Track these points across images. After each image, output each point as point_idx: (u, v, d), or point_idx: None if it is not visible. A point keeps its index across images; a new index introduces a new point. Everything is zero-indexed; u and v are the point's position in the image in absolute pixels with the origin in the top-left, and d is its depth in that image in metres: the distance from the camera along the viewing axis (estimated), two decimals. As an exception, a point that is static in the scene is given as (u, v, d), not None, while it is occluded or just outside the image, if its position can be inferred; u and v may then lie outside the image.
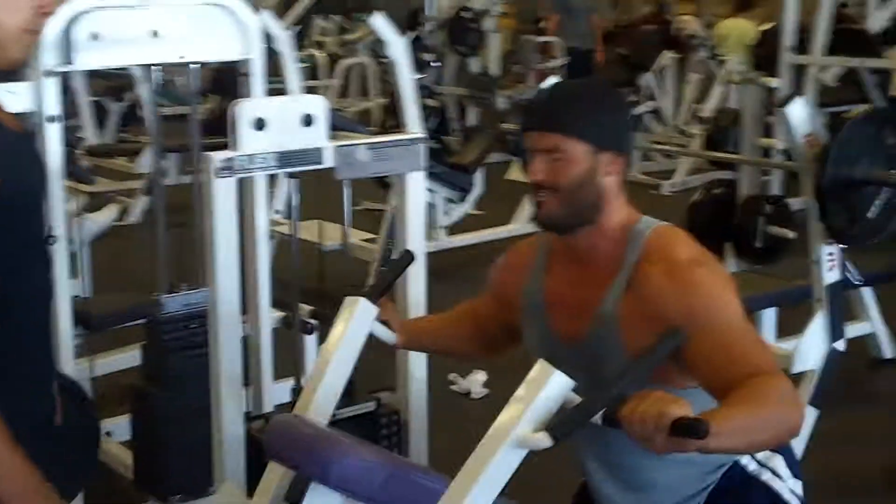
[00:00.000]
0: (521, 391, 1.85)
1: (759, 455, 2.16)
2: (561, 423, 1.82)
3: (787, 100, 3.89)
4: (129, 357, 3.99)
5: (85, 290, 3.85)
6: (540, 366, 1.86)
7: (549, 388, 1.83)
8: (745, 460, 2.15)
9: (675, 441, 1.73)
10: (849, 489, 3.72)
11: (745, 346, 1.96)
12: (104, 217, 4.67)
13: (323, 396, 2.21)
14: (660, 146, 9.00)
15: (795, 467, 2.21)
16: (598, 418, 1.83)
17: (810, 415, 3.86)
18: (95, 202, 6.04)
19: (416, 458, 2.81)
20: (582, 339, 2.10)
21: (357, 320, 2.26)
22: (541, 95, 2.15)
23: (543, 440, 1.80)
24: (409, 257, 2.48)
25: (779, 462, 2.18)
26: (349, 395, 2.79)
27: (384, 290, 2.36)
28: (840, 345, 3.97)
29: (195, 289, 3.29)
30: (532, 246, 2.24)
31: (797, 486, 2.19)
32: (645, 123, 9.25)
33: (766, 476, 2.16)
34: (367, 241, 6.09)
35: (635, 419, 1.75)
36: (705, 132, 8.06)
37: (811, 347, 3.93)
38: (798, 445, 3.78)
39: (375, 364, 2.72)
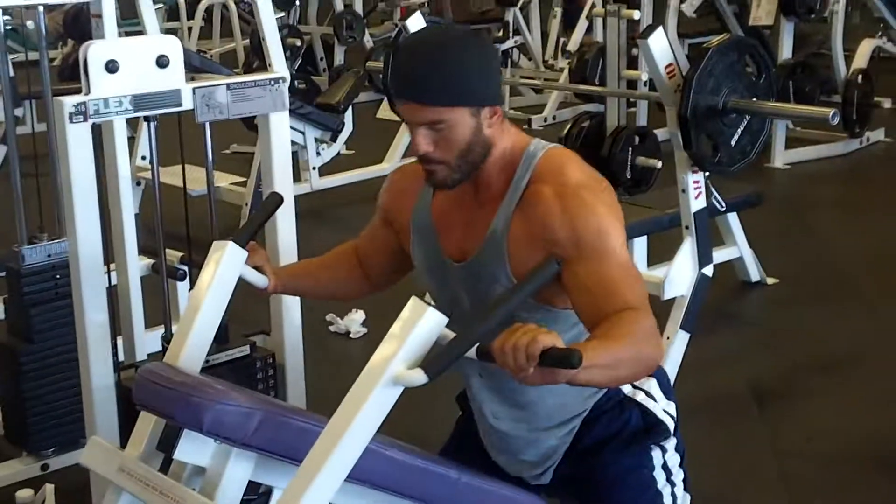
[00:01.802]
0: (395, 329, 1.85)
1: None
2: (435, 359, 1.83)
3: (648, 31, 3.92)
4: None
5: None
6: (413, 303, 1.86)
7: (422, 324, 1.82)
8: None
9: (547, 372, 1.76)
10: (720, 406, 3.83)
11: (623, 279, 1.98)
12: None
13: (194, 343, 2.17)
14: (528, 81, 9.04)
15: (669, 389, 2.27)
16: (472, 352, 1.84)
17: (682, 339, 3.95)
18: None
19: (294, 401, 2.79)
20: (470, 259, 2.11)
21: (225, 265, 2.22)
22: (405, 59, 2.04)
23: (418, 377, 1.81)
24: (276, 199, 2.43)
25: (653, 384, 2.23)
26: (223, 340, 2.77)
27: (252, 233, 2.31)
28: (708, 270, 4.07)
29: (56, 239, 3.20)
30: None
31: (670, 406, 2.25)
32: (513, 59, 9.26)
33: (640, 397, 2.21)
34: (236, 184, 6.01)
35: (507, 351, 1.76)
36: (572, 66, 8.12)
37: (681, 274, 4.02)
38: (671, 368, 3.88)
39: (251, 308, 2.69)
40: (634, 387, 2.21)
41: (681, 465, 2.28)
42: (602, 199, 2.02)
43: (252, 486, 2.02)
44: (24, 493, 2.76)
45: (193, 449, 1.99)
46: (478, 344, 1.84)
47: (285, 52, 5.57)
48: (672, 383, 2.30)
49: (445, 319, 1.85)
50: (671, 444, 2.24)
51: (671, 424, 2.23)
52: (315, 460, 1.84)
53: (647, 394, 2.22)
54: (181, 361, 2.17)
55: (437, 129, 2.01)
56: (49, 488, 2.95)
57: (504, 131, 2.09)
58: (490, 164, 2.07)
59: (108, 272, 2.66)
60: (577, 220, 1.98)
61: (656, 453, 2.22)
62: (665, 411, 2.23)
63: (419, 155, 2.06)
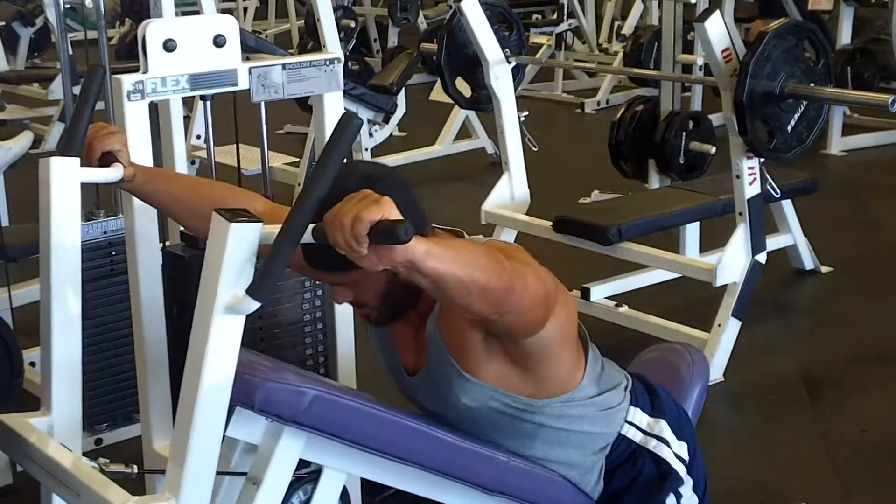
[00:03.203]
0: (208, 254, 1.73)
1: (644, 424, 2.20)
2: (260, 278, 1.70)
3: (704, 15, 3.89)
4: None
5: (1, 219, 3.77)
6: (215, 222, 1.72)
7: (231, 244, 1.70)
8: (632, 433, 2.20)
9: (382, 251, 1.62)
10: (771, 395, 3.80)
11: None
12: (18, 145, 4.54)
13: (62, 272, 2.12)
14: (582, 64, 8.99)
15: (681, 427, 2.25)
16: (308, 237, 1.69)
17: (733, 326, 3.92)
18: (8, 130, 5.90)
19: (344, 380, 2.81)
20: (422, 370, 2.11)
21: (57, 182, 2.08)
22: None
23: (249, 304, 1.71)
24: (96, 73, 2.22)
25: (664, 426, 2.22)
26: None
27: (80, 133, 2.14)
28: (761, 257, 4.03)
29: (113, 216, 3.24)
30: None
31: (682, 448, 2.23)
32: (567, 42, 9.21)
33: (652, 444, 2.20)
34: (290, 164, 6.04)
35: (335, 226, 1.63)
36: (626, 50, 8.07)
37: (733, 260, 3.99)
38: (723, 355, 3.86)
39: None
40: (646, 434, 2.20)
41: None
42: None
43: (302, 464, 2.04)
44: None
45: (245, 426, 2.01)
46: (313, 226, 1.69)
47: (339, 33, 5.58)
48: (682, 421, 2.28)
49: (257, 226, 1.71)
50: (686, 487, 2.23)
51: (682, 469, 2.22)
52: (185, 413, 1.81)
53: (660, 439, 2.21)
54: (54, 295, 2.11)
55: (348, 287, 1.99)
56: (103, 461, 2.97)
57: None
58: (425, 294, 2.01)
59: (164, 249, 2.68)
60: None
61: (670, 501, 2.21)
62: (677, 456, 2.22)
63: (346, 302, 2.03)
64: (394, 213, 1.62)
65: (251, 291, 1.70)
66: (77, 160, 2.13)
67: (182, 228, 2.73)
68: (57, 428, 2.11)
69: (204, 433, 1.80)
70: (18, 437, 2.05)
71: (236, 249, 1.70)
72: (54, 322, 2.13)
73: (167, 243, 2.79)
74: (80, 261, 2.16)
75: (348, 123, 1.73)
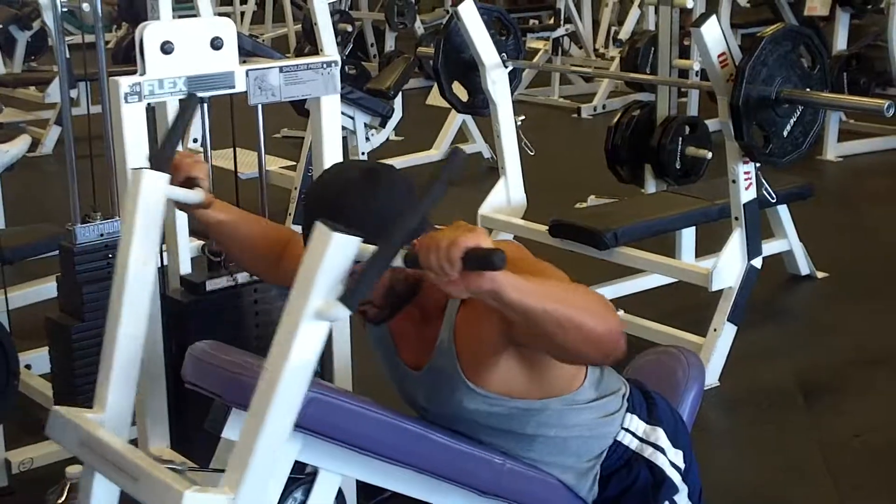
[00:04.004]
0: (305, 261, 1.77)
1: (640, 431, 2.21)
2: (353, 287, 1.74)
3: (701, 20, 3.90)
4: (45, 289, 3.94)
5: (-3, 222, 3.78)
6: (317, 231, 1.76)
7: (331, 253, 1.74)
8: (628, 439, 2.20)
9: (472, 277, 1.67)
10: (766, 399, 3.81)
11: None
12: (15, 148, 4.55)
13: (137, 281, 2.15)
14: (579, 69, 9.00)
15: (677, 435, 2.26)
16: (399, 262, 1.74)
17: (729, 331, 3.93)
18: (4, 133, 5.90)
19: (340, 383, 2.81)
20: (424, 368, 2.12)
21: (146, 193, 2.13)
22: (307, 221, 1.97)
23: (339, 312, 1.74)
24: (192, 100, 2.29)
25: (660, 434, 2.22)
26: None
27: (171, 150, 2.20)
28: (757, 262, 4.04)
29: (109, 219, 3.24)
30: None
31: (678, 456, 2.24)
32: (563, 47, 9.23)
33: (648, 452, 2.21)
34: (286, 168, 6.04)
35: (431, 248, 1.68)
36: (623, 55, 8.08)
37: (729, 265, 3.99)
38: (718, 360, 3.87)
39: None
40: (642, 441, 2.20)
41: None
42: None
43: (298, 467, 2.04)
44: (74, 469, 2.79)
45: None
46: (405, 252, 1.74)
47: (336, 37, 5.59)
48: (679, 429, 2.28)
49: (357, 240, 1.75)
50: (682, 495, 2.23)
51: (678, 477, 2.22)
52: (258, 411, 1.82)
53: (655, 446, 2.21)
54: (125, 302, 2.15)
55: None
56: (98, 464, 2.98)
57: None
58: (425, 287, 2.05)
59: (164, 295, 2.68)
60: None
61: None
62: (673, 464, 2.22)
63: None
64: (487, 242, 1.68)
65: (344, 299, 1.73)
66: (167, 176, 2.17)
67: (182, 273, 2.76)
68: (108, 425, 2.14)
69: (272, 433, 1.82)
70: (76, 425, 2.10)
71: (335, 258, 1.74)
72: (121, 328, 2.16)
73: (165, 253, 2.79)
74: (155, 270, 2.20)
75: (453, 159, 1.79)
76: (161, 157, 2.18)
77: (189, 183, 2.22)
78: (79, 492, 2.20)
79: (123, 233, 2.16)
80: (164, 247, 2.73)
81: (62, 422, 2.13)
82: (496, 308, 1.77)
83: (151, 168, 2.16)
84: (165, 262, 2.79)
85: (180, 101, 2.38)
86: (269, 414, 1.80)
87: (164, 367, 2.60)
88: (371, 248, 1.75)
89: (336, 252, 1.74)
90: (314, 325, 1.76)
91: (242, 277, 2.58)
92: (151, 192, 2.15)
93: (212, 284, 2.53)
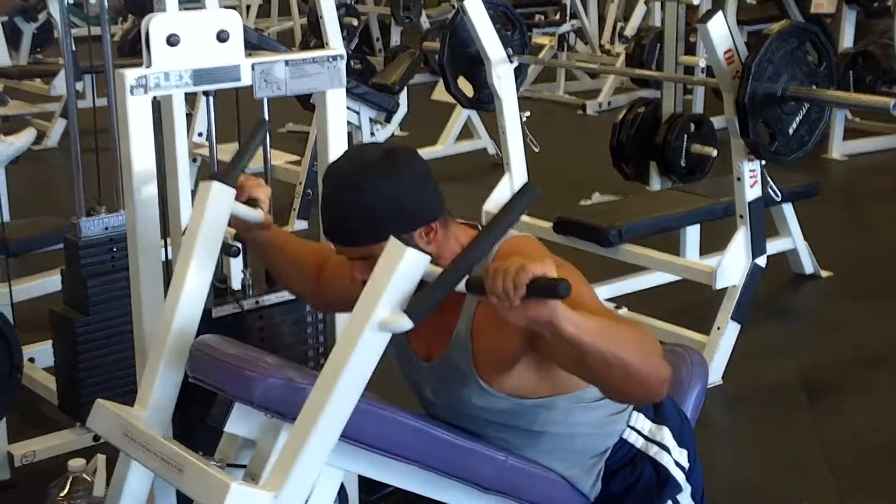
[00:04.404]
0: (376, 272, 1.83)
1: (646, 429, 2.21)
2: (419, 301, 1.81)
3: (707, 16, 3.89)
4: (50, 282, 3.94)
5: (2, 214, 3.78)
6: (391, 244, 1.83)
7: (402, 267, 1.80)
8: (633, 437, 2.21)
9: (533, 305, 1.71)
10: (769, 398, 3.80)
11: (608, 314, 1.94)
12: (21, 141, 4.55)
13: (191, 288, 2.21)
14: (584, 65, 8.98)
15: (682, 434, 2.26)
16: (462, 287, 1.80)
17: (732, 329, 3.92)
18: (10, 125, 5.90)
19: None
20: (436, 360, 2.13)
21: (214, 204, 2.21)
22: (325, 204, 2.07)
23: (403, 323, 1.80)
24: (262, 126, 2.41)
25: (665, 433, 2.23)
26: (273, 282, 2.73)
27: (241, 168, 2.29)
28: (761, 260, 4.03)
29: (114, 212, 3.24)
30: None
31: (682, 455, 2.24)
32: (569, 43, 9.21)
33: (653, 451, 2.21)
34: (291, 163, 6.04)
35: (498, 275, 1.72)
36: (628, 51, 8.07)
37: (733, 263, 3.99)
38: (721, 359, 3.87)
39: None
40: (647, 440, 2.21)
41: None
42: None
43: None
44: (76, 463, 2.80)
45: (244, 422, 2.02)
46: (467, 277, 1.81)
47: (342, 31, 5.57)
48: (685, 429, 2.28)
49: (427, 258, 1.83)
50: (685, 495, 2.24)
51: (682, 477, 2.22)
52: (310, 414, 1.85)
53: (661, 445, 2.22)
54: (180, 307, 2.19)
55: (370, 262, 1.99)
56: (101, 458, 2.98)
57: (450, 238, 2.08)
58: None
59: (165, 246, 2.68)
60: None
61: None
62: (677, 463, 2.23)
63: (361, 281, 2.04)
64: (553, 272, 1.71)
65: (410, 311, 1.80)
66: (234, 191, 2.25)
67: None
68: (148, 422, 2.19)
69: (322, 436, 1.86)
70: (120, 418, 2.16)
71: (405, 272, 1.81)
72: (172, 332, 2.21)
73: (167, 240, 2.79)
74: (211, 276, 2.27)
75: (526, 193, 1.89)
76: (230, 173, 2.26)
77: (251, 204, 2.29)
78: (112, 479, 2.28)
79: (187, 238, 2.23)
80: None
81: (106, 413, 2.19)
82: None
83: (221, 181, 2.23)
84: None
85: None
86: (320, 419, 1.84)
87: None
88: (437, 269, 1.82)
89: (407, 265, 1.80)
90: (375, 336, 1.82)
91: (248, 304, 2.61)
92: (218, 203, 2.23)
93: (218, 312, 2.56)
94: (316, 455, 1.87)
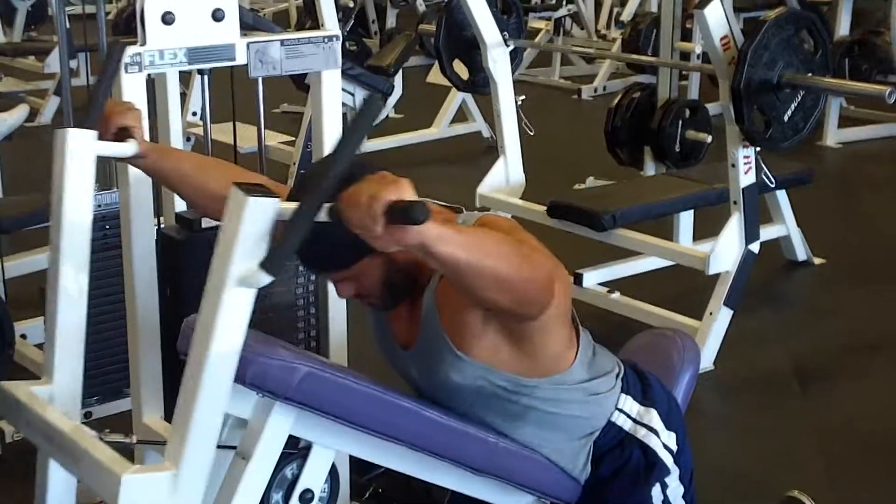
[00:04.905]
0: (223, 228, 1.75)
1: (634, 412, 2.21)
2: (274, 252, 1.71)
3: (704, 2, 3.88)
4: (42, 259, 3.93)
5: (-6, 191, 3.77)
6: (233, 197, 1.74)
7: (247, 216, 1.71)
8: (621, 420, 2.20)
9: (397, 231, 1.63)
10: (761, 384, 3.81)
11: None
12: (13, 117, 4.53)
13: (70, 240, 2.12)
14: (580, 50, 8.98)
15: (670, 417, 2.25)
16: (323, 216, 1.69)
17: (725, 315, 3.93)
18: (3, 102, 5.88)
19: (336, 359, 2.81)
20: (414, 346, 2.12)
21: (73, 154, 2.09)
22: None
23: (262, 278, 1.72)
24: (118, 48, 2.26)
25: (654, 416, 2.22)
26: None
27: (99, 106, 2.15)
28: (755, 247, 4.04)
29: (107, 190, 3.23)
30: None
31: (671, 438, 2.23)
32: (565, 27, 9.20)
33: (642, 433, 2.21)
34: (285, 143, 6.03)
35: (352, 204, 1.65)
36: (624, 36, 8.05)
37: (727, 249, 3.99)
38: (714, 344, 3.87)
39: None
40: (636, 422, 2.20)
41: (684, 496, 2.25)
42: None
43: (291, 441, 2.04)
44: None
45: (236, 401, 2.01)
46: (329, 206, 1.69)
47: (338, 12, 5.57)
48: (671, 410, 2.28)
49: (274, 201, 1.72)
50: (673, 477, 2.23)
51: (670, 459, 2.22)
52: (190, 385, 1.81)
53: (649, 428, 2.21)
54: (62, 278, 2.11)
55: (349, 281, 2.00)
56: (92, 435, 2.99)
57: None
58: (421, 266, 2.03)
59: (158, 225, 2.68)
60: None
61: (656, 490, 2.21)
62: (665, 446, 2.22)
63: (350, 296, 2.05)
64: (410, 195, 1.64)
65: (264, 265, 1.70)
66: (94, 133, 2.13)
67: (177, 211, 2.73)
68: (57, 397, 2.12)
69: (207, 406, 1.81)
70: (20, 402, 2.07)
71: (253, 223, 1.71)
72: (60, 293, 2.13)
73: (162, 224, 2.78)
74: (90, 233, 2.16)
75: (372, 104, 1.73)
76: (87, 114, 2.12)
77: (122, 135, 2.17)
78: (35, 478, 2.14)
79: (54, 198, 2.11)
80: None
81: (8, 399, 2.09)
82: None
83: (77, 126, 2.11)
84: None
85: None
86: (201, 384, 1.79)
87: (160, 324, 2.60)
88: (294, 206, 1.71)
89: (253, 215, 1.71)
90: (239, 291, 1.75)
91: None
92: (79, 151, 2.10)
93: (206, 221, 2.52)
94: (205, 424, 1.82)
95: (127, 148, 2.17)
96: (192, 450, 1.82)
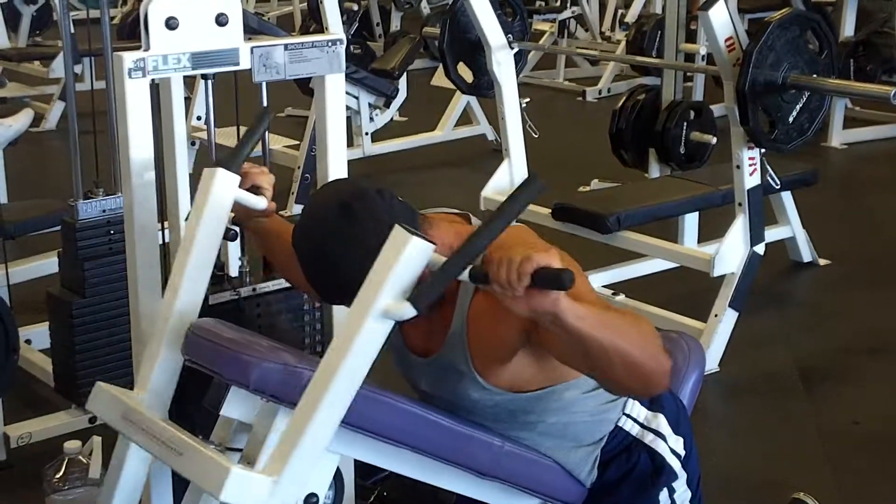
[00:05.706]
0: (380, 260, 1.83)
1: (641, 417, 2.21)
2: (423, 290, 1.81)
3: (708, 4, 3.88)
4: (47, 264, 3.94)
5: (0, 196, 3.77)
6: (396, 232, 1.83)
7: (406, 254, 1.80)
8: (629, 425, 2.20)
9: (536, 296, 1.70)
10: (767, 386, 3.81)
11: (605, 305, 1.92)
12: (18, 123, 4.54)
13: (192, 274, 2.22)
14: (584, 52, 8.97)
15: (678, 422, 2.26)
16: (465, 277, 1.80)
17: (730, 317, 3.92)
18: (8, 107, 5.90)
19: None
20: (433, 357, 2.12)
21: (217, 190, 2.22)
22: (311, 279, 2.09)
23: (406, 310, 1.80)
24: (264, 114, 2.42)
25: (661, 421, 2.23)
26: (270, 269, 2.73)
27: (244, 155, 2.29)
28: (760, 248, 4.03)
29: (112, 195, 3.24)
30: None
31: (678, 443, 2.24)
32: (569, 29, 9.19)
33: (649, 438, 2.21)
34: (290, 147, 6.03)
35: (502, 264, 1.72)
36: (629, 38, 8.05)
37: (731, 251, 3.99)
38: (718, 346, 3.87)
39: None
40: (643, 427, 2.21)
41: (692, 501, 2.26)
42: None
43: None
44: (72, 445, 2.80)
45: (240, 406, 2.02)
46: (471, 266, 1.80)
47: (342, 16, 5.56)
48: (680, 416, 2.28)
49: (431, 247, 1.82)
50: (680, 482, 2.24)
51: (677, 464, 2.22)
52: (311, 400, 1.86)
53: (657, 433, 2.22)
54: (182, 291, 2.20)
55: None
56: (96, 440, 2.99)
57: (444, 238, 2.01)
58: None
59: (162, 230, 2.68)
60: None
61: (663, 496, 2.21)
62: (673, 451, 2.23)
63: None
64: (558, 263, 1.70)
65: (413, 299, 1.80)
66: (238, 178, 2.26)
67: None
68: (148, 405, 2.20)
69: (323, 421, 1.86)
70: (120, 400, 2.18)
71: (409, 260, 1.80)
72: (173, 317, 2.21)
73: (164, 224, 2.79)
74: (213, 263, 2.28)
75: (532, 184, 1.85)
76: (233, 161, 2.26)
77: (254, 191, 2.29)
78: (111, 461, 2.30)
79: (190, 224, 2.24)
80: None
81: (106, 396, 2.21)
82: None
83: (225, 167, 2.23)
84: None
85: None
86: (321, 405, 1.84)
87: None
88: (440, 258, 1.82)
89: (411, 254, 1.80)
90: (379, 322, 1.82)
91: (245, 291, 2.61)
92: (222, 189, 2.23)
93: (215, 298, 2.57)
94: (316, 441, 1.87)
95: (258, 201, 2.29)
96: (296, 463, 1.88)
